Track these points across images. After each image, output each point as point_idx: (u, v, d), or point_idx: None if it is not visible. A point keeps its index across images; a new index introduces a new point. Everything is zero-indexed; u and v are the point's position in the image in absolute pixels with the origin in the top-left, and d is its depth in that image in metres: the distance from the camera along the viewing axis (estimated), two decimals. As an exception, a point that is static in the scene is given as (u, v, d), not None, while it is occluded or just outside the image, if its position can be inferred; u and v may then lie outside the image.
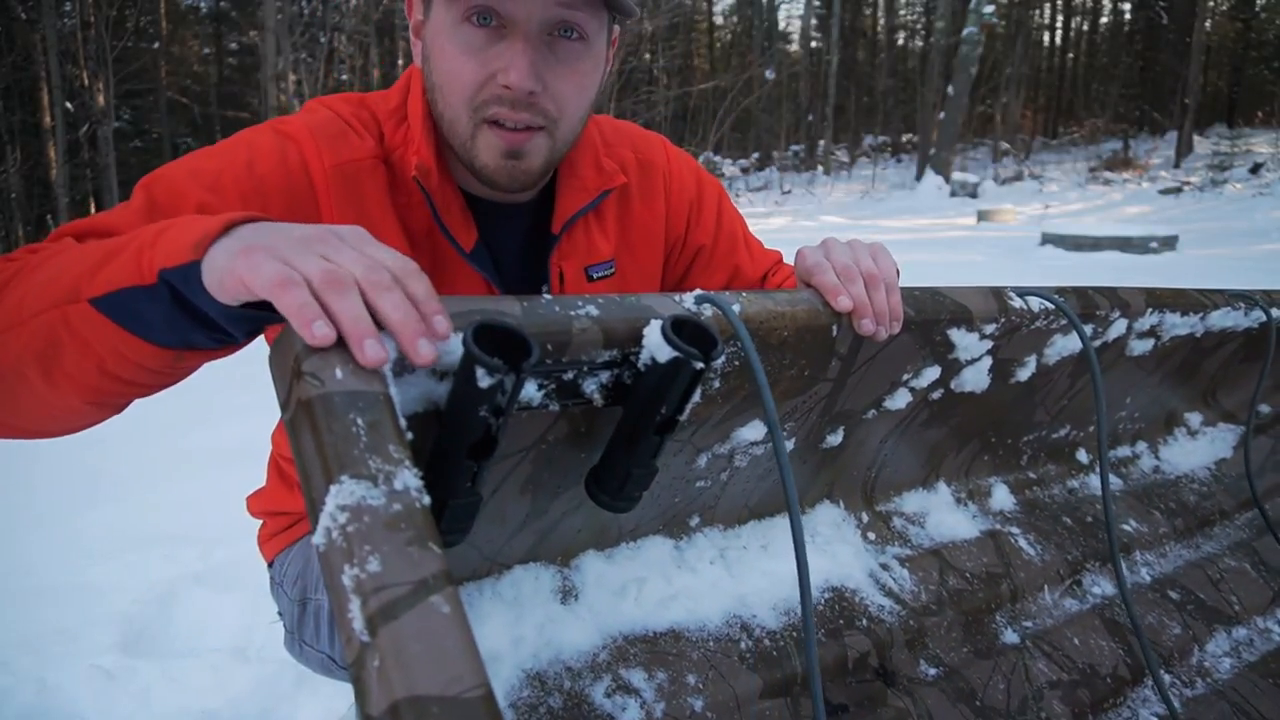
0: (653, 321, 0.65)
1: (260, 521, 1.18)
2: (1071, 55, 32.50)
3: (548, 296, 0.65)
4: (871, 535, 1.03)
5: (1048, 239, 9.84)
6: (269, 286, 0.50)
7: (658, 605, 0.81)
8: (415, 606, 0.43)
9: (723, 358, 0.73)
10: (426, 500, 0.48)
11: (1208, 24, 23.02)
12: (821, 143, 24.27)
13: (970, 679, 0.93)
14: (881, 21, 30.60)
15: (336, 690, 1.71)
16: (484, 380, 0.52)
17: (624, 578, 0.82)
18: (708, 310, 0.72)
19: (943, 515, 1.10)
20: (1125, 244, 9.31)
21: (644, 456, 0.67)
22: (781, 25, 31.27)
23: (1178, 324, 1.22)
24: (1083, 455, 1.32)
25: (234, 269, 0.52)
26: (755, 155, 24.99)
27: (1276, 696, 1.06)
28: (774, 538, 0.94)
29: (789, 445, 0.88)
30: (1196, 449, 1.48)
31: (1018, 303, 0.98)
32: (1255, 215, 12.93)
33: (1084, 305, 1.06)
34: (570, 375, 0.64)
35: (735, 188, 20.05)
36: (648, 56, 21.99)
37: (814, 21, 25.91)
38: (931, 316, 0.89)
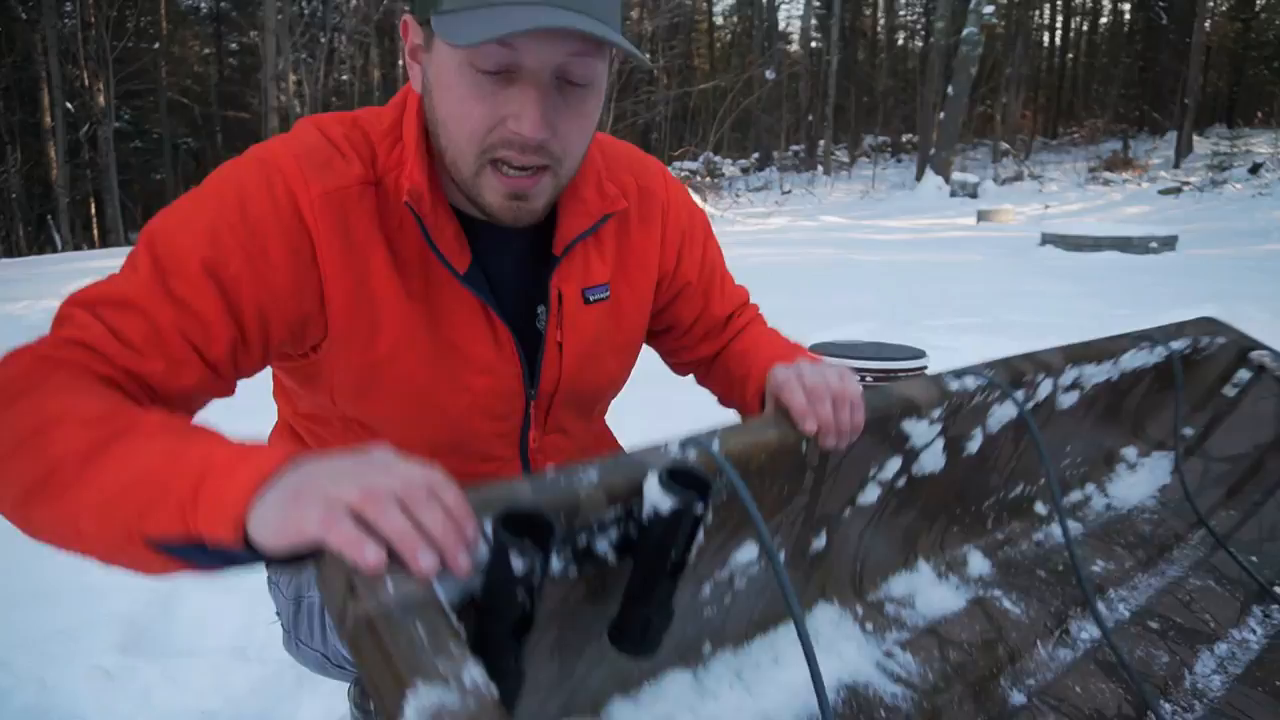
0: (649, 474, 0.69)
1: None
2: (1071, 55, 32.51)
3: (551, 471, 0.69)
4: (869, 626, 1.08)
5: (1048, 239, 9.85)
6: (318, 528, 0.54)
7: (690, 740, 0.84)
8: None
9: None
10: (495, 691, 0.50)
11: (1208, 24, 23.01)
12: (821, 143, 24.27)
13: None
14: (881, 21, 30.60)
15: (336, 690, 1.71)
16: (518, 564, 0.56)
17: (653, 717, 0.84)
18: (692, 452, 0.77)
19: (929, 593, 1.16)
20: (1125, 244, 9.31)
21: (660, 602, 0.71)
22: (781, 25, 31.25)
23: (1095, 372, 1.34)
24: (1040, 507, 1.40)
25: (287, 521, 0.55)
26: (755, 155, 24.98)
27: (1269, 704, 1.09)
28: (782, 649, 0.98)
29: (780, 557, 0.94)
30: (1139, 480, 1.58)
31: (955, 384, 1.08)
32: (1255, 215, 12.93)
33: (1012, 375, 1.18)
34: (584, 540, 0.68)
35: (735, 188, 20.05)
36: (648, 56, 21.95)
37: (814, 21, 25.91)
38: (884, 413, 0.98)
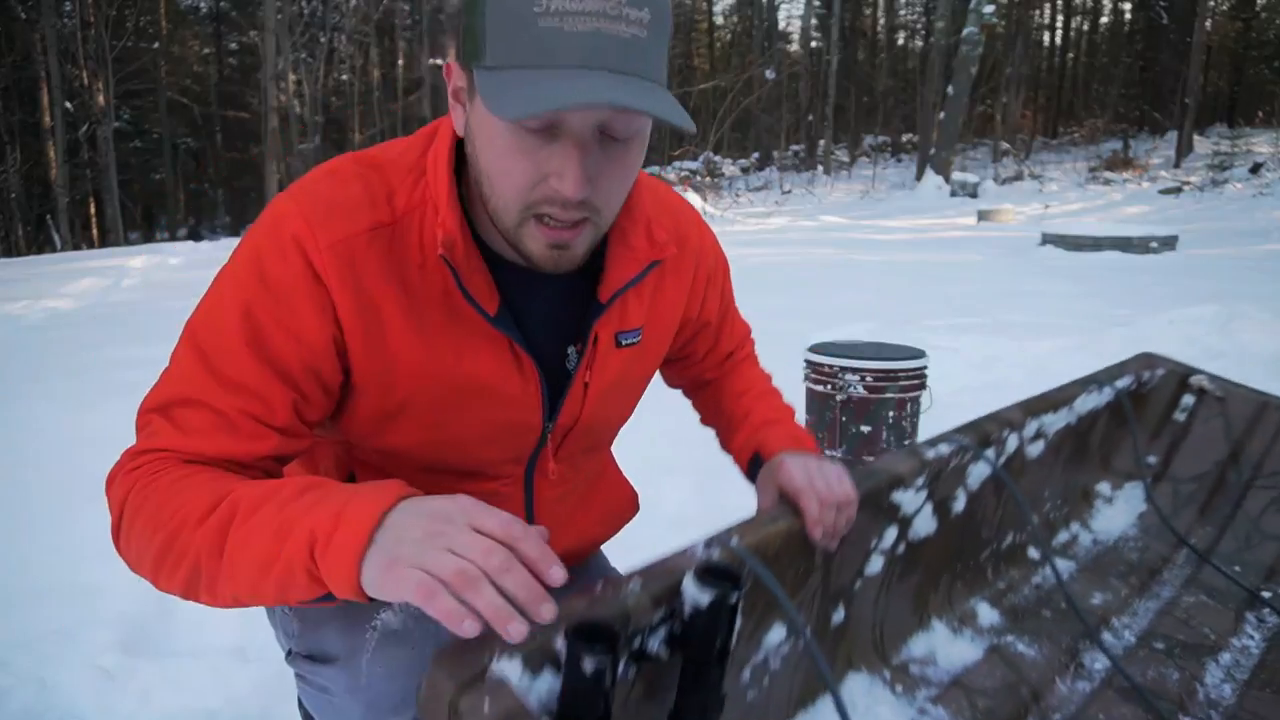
0: (686, 576, 0.78)
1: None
2: (1071, 55, 32.52)
3: (600, 584, 0.77)
4: (899, 687, 1.15)
5: (1048, 239, 9.85)
6: (417, 597, 0.63)
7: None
8: None
9: None
10: None
11: (1208, 24, 23.01)
12: (821, 143, 24.29)
13: None
14: (881, 21, 30.65)
15: (336, 690, 1.71)
16: (590, 668, 0.64)
17: None
18: (716, 550, 0.86)
19: (947, 648, 1.23)
20: (1125, 244, 9.32)
21: (712, 687, 0.78)
22: (781, 25, 31.26)
23: (1055, 420, 1.47)
24: (1034, 552, 1.49)
25: (385, 585, 0.65)
26: (755, 155, 24.99)
27: (1277, 703, 1.14)
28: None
29: (807, 633, 1.01)
30: (1117, 512, 1.68)
31: (932, 453, 1.19)
32: (1255, 215, 12.95)
33: (980, 436, 1.29)
34: (638, 642, 0.77)
35: (735, 187, 20.05)
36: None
37: (814, 21, 25.92)
38: (874, 489, 1.08)
